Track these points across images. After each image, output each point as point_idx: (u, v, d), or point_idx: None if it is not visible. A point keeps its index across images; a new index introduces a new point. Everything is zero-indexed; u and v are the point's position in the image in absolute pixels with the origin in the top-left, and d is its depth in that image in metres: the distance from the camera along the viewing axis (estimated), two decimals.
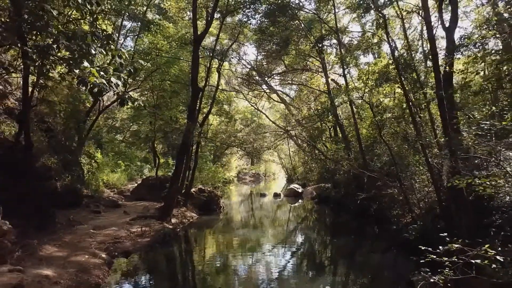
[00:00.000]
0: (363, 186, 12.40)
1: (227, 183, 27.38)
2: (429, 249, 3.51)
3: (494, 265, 3.44)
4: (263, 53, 20.38)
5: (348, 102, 12.51)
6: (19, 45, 5.48)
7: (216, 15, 13.40)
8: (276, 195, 21.93)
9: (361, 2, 12.52)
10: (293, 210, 17.79)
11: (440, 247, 3.45)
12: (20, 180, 7.63)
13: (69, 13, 6.97)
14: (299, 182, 24.97)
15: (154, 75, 14.20)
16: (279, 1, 13.48)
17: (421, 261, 3.57)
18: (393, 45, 19.18)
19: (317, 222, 14.76)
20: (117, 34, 13.71)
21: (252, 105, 25.79)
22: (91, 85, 4.75)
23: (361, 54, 15.38)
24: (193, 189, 14.78)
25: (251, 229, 12.64)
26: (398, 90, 11.68)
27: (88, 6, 5.46)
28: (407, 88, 10.83)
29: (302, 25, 16.35)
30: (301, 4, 15.71)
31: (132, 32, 18.52)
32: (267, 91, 24.41)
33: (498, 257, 3.30)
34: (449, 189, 7.52)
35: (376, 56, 15.57)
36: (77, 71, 4.82)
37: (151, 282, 6.67)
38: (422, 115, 10.65)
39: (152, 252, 8.35)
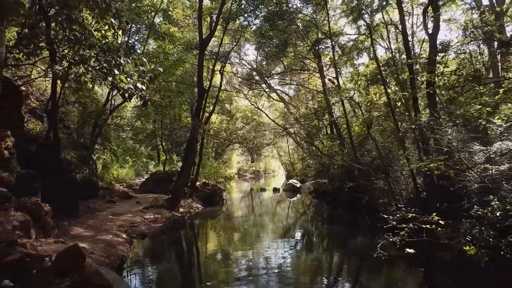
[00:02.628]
0: (355, 180, 13.47)
1: (228, 179, 28.47)
2: (390, 217, 4.57)
3: (439, 228, 4.50)
4: (263, 54, 21.40)
5: (341, 101, 13.56)
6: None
7: (220, 20, 14.40)
8: (275, 190, 23.00)
9: (353, 8, 13.49)
10: (290, 203, 18.83)
11: (398, 214, 4.51)
12: (49, 172, 8.69)
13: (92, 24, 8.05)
14: (298, 178, 26.00)
15: (161, 76, 15.24)
16: (277, 9, 14.47)
17: (384, 226, 4.62)
18: (387, 46, 20.24)
19: (312, 213, 15.81)
20: (126, 39, 14.78)
21: (252, 104, 26.76)
22: (122, 90, 5.82)
23: (355, 57, 16.45)
24: (197, 183, 15.87)
25: (251, 218, 13.71)
26: (388, 90, 12.76)
27: (116, 22, 6.52)
28: (397, 88, 11.91)
29: (300, 28, 17.36)
30: (298, 9, 16.65)
31: (136, 34, 19.55)
32: (267, 90, 25.39)
33: (440, 222, 4.35)
34: (424, 179, 8.61)
35: (372, 55, 16.62)
36: (110, 78, 5.88)
37: (165, 258, 7.75)
38: (407, 113, 11.72)
39: (165, 235, 9.42)
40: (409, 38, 16.56)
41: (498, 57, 12.66)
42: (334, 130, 17.91)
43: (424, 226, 4.43)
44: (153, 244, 8.64)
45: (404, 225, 4.51)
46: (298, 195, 21.22)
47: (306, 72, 21.57)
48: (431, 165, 5.04)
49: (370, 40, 11.09)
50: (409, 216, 4.48)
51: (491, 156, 5.97)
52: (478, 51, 11.28)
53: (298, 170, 28.86)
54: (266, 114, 27.31)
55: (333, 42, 15.18)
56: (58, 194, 8.56)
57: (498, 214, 5.32)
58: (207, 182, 16.67)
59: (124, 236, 8.19)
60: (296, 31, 17.45)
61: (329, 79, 19.34)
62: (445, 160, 6.65)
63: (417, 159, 7.75)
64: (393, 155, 10.93)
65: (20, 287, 3.38)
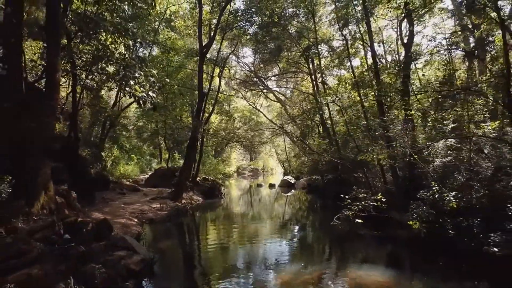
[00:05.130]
0: (341, 174, 14.86)
1: (227, 177, 29.84)
2: (346, 196, 5.97)
3: (384, 205, 5.89)
4: (259, 58, 22.74)
5: (327, 103, 14.95)
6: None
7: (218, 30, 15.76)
8: (271, 186, 24.38)
9: (338, 19, 14.88)
10: (284, 197, 20.21)
11: (351, 194, 5.91)
12: (70, 166, 10.11)
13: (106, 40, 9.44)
14: (293, 175, 27.36)
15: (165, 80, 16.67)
16: (270, 20, 15.84)
17: (341, 204, 6.02)
18: (374, 52, 21.52)
19: (304, 205, 17.19)
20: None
21: (250, 104, 28.03)
22: (137, 98, 7.22)
23: (343, 61, 17.83)
24: (198, 178, 17.28)
25: (247, 209, 15.11)
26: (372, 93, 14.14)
27: (130, 42, 7.91)
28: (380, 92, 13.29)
29: (293, 34, 18.69)
30: (291, 16, 17.98)
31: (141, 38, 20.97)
32: (264, 91, 26.68)
33: (382, 199, 5.74)
34: (393, 172, 10.00)
35: (365, 57, 17.95)
36: (127, 88, 7.28)
37: (171, 237, 9.19)
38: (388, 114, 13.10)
39: (170, 221, 10.85)
40: (394, 43, 18.03)
41: (475, 63, 14.03)
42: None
43: (372, 203, 5.82)
44: (160, 227, 10.06)
45: (358, 203, 5.90)
46: (292, 190, 22.57)
47: (299, 75, 22.90)
48: (374, 155, 6.42)
49: (360, 44, 12.45)
50: (361, 196, 5.87)
51: (438, 150, 7.36)
52: (446, 59, 12.61)
53: (295, 167, 30.21)
54: (264, 114, 28.57)
55: (321, 49, 16.55)
56: (78, 185, 9.98)
57: (436, 196, 6.71)
58: (207, 177, 18.07)
59: (136, 220, 9.61)
60: (289, 38, 18.81)
61: (321, 81, 20.71)
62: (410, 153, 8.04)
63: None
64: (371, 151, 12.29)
65: (76, 240, 4.76)
